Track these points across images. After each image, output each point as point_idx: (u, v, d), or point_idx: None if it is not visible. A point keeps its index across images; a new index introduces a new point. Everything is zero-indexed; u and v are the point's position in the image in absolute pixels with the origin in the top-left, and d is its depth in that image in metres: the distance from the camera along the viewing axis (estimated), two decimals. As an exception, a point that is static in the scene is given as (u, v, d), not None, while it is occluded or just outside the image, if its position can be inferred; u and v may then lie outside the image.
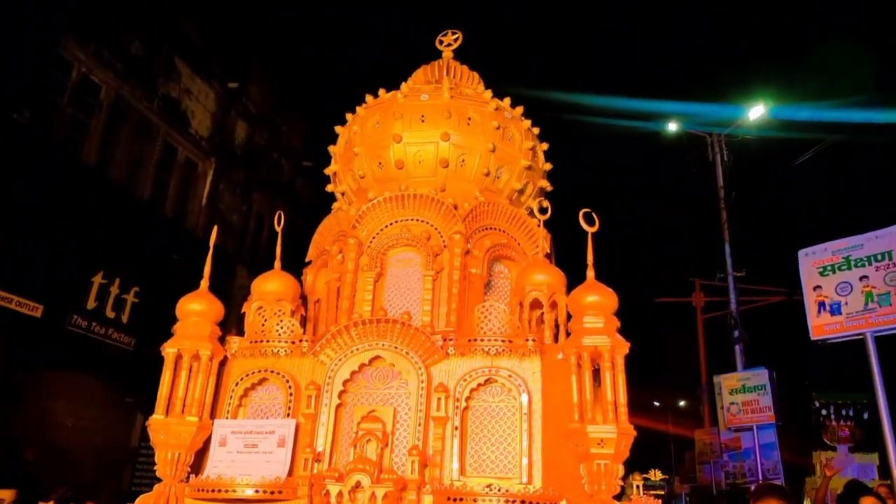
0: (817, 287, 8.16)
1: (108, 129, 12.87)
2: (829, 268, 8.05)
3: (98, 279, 12.08)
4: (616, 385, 3.71)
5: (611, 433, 3.59)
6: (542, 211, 4.85)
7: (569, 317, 4.20)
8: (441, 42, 6.15)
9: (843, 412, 14.69)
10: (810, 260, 8.34)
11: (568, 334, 4.09)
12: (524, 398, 3.87)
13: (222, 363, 4.46)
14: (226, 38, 16.03)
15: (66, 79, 12.01)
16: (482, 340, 4.05)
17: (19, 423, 10.46)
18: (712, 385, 15.87)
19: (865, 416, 14.01)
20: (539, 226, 4.85)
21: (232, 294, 14.12)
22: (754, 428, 13.46)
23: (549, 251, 5.02)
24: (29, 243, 10.47)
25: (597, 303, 3.91)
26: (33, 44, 11.05)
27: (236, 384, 4.29)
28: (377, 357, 4.16)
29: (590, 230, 4.21)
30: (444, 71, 5.86)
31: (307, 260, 5.37)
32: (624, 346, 3.79)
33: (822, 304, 8.08)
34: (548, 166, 5.67)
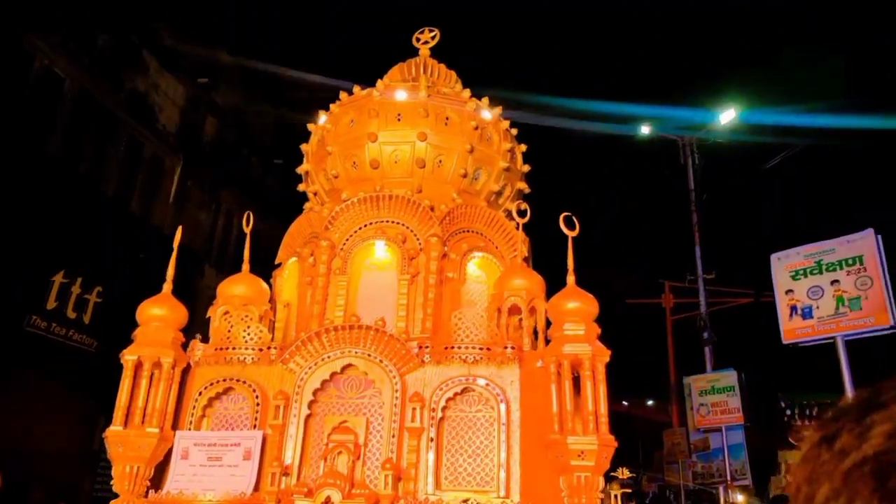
0: (789, 291, 8.20)
1: (73, 123, 12.43)
2: (801, 272, 8.09)
3: (59, 278, 11.66)
4: (597, 395, 3.60)
5: (591, 445, 3.48)
6: (521, 214, 4.72)
7: (548, 323, 4.09)
8: (418, 40, 6.00)
9: (808, 412, 14.94)
10: (783, 264, 8.37)
11: (547, 341, 3.98)
12: (502, 408, 3.74)
13: (185, 371, 4.24)
14: (196, 32, 15.64)
15: (27, 70, 11.57)
16: (459, 348, 3.91)
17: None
18: (681, 386, 16.00)
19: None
20: (518, 229, 4.72)
21: (198, 295, 13.76)
22: (723, 429, 13.58)
23: (527, 255, 4.91)
24: (-15, 239, 10.04)
25: (578, 309, 3.80)
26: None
27: (199, 393, 4.08)
28: (349, 365, 3.99)
29: (570, 234, 4.10)
30: (420, 69, 5.71)
31: (276, 262, 5.17)
32: (605, 354, 3.69)
33: (793, 308, 8.12)
34: (526, 168, 5.56)
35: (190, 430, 4.02)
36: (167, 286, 4.33)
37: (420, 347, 3.94)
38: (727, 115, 17.82)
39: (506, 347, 3.86)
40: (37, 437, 11.16)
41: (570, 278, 3.98)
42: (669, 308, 21.30)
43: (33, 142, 11.69)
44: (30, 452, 10.79)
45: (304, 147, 5.50)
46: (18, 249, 10.62)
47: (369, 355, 3.93)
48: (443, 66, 5.90)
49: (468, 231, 4.80)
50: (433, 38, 5.99)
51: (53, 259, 11.57)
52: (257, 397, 3.99)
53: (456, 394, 3.84)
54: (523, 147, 5.58)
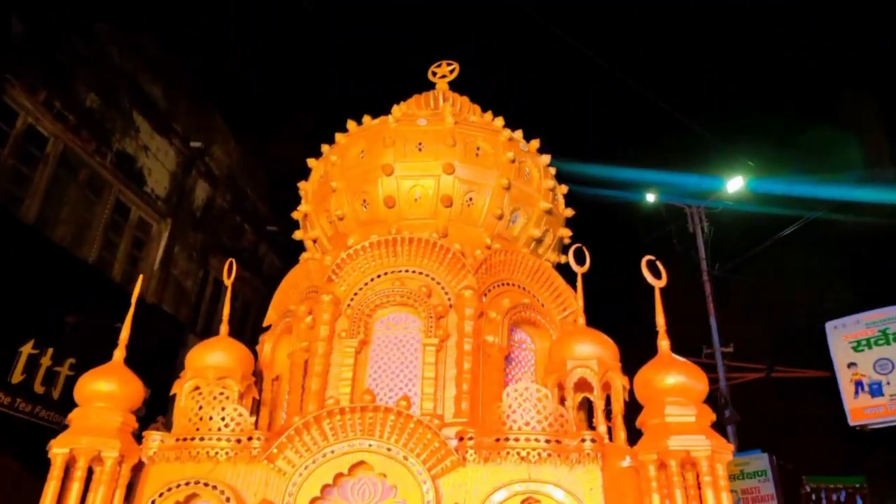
0: (852, 364, 7.27)
1: (53, 184, 11.65)
2: (864, 342, 7.16)
3: (28, 349, 10.54)
4: (720, 510, 2.51)
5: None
6: (579, 262, 3.72)
7: (627, 405, 3.04)
8: (434, 74, 5.21)
9: (835, 497, 13.86)
10: (840, 333, 7.45)
11: (631, 431, 2.91)
12: (581, 529, 2.62)
13: (138, 469, 3.14)
14: (191, 94, 15.20)
15: (8, 128, 10.88)
16: (517, 440, 2.82)
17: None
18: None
19: (859, 501, 13.28)
20: (577, 280, 3.71)
21: (180, 369, 12.55)
22: (756, 521, 12.37)
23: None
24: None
25: (683, 386, 2.75)
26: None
27: (152, 502, 2.96)
28: (361, 463, 2.89)
29: (657, 284, 3.12)
30: (440, 100, 4.88)
31: (265, 325, 4.12)
32: (727, 451, 2.62)
33: (859, 384, 7.20)
34: (569, 212, 4.63)
35: (134, 557, 2.87)
36: (118, 353, 3.30)
37: (460, 439, 2.86)
38: (735, 183, 17.32)
39: (583, 440, 2.78)
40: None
41: (664, 343, 2.96)
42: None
43: (9, 203, 10.86)
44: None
45: (302, 185, 4.56)
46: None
47: (389, 450, 2.83)
48: (465, 98, 5.08)
49: (509, 284, 3.80)
50: (451, 71, 5.21)
51: (23, 328, 10.48)
52: (231, 510, 2.86)
53: (514, 508, 2.73)
54: (564, 188, 4.68)
